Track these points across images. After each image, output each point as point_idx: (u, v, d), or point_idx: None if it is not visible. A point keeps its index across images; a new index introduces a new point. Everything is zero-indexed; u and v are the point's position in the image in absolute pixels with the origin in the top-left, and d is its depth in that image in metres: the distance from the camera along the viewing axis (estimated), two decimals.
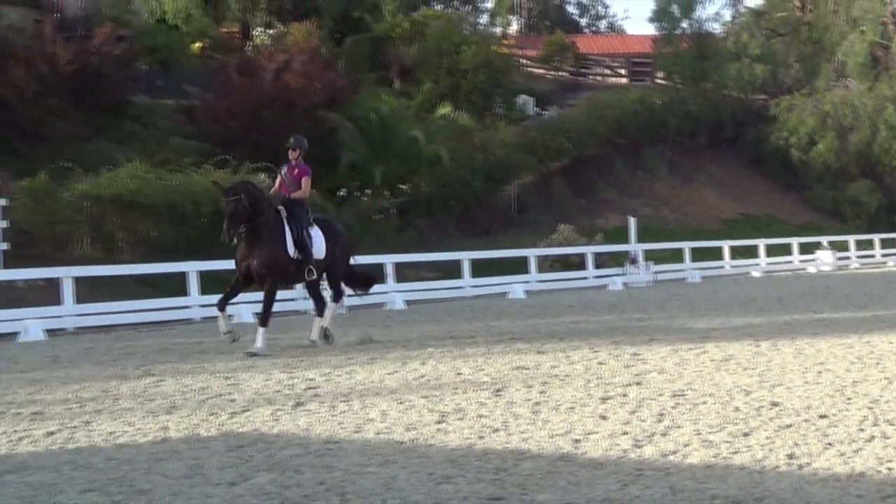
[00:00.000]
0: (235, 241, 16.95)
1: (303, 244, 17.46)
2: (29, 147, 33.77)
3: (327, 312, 18.30)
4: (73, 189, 29.57)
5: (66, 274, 22.84)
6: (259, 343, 16.91)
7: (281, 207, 17.50)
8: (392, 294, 27.90)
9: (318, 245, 17.80)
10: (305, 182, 17.97)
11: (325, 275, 18.35)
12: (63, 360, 17.02)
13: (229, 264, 18.93)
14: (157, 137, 37.51)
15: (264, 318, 17.17)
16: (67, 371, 15.57)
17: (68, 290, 22.39)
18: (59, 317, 22.11)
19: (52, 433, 10.90)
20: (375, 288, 29.35)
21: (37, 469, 9.38)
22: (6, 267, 25.47)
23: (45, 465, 9.50)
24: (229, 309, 17.87)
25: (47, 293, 23.90)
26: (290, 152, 18.12)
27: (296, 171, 18.01)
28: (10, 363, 16.64)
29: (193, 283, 24.55)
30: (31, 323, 20.72)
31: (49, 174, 29.49)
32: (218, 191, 17.63)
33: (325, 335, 18.11)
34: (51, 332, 20.94)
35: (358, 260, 28.71)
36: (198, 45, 46.01)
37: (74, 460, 9.67)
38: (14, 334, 20.50)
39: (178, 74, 43.41)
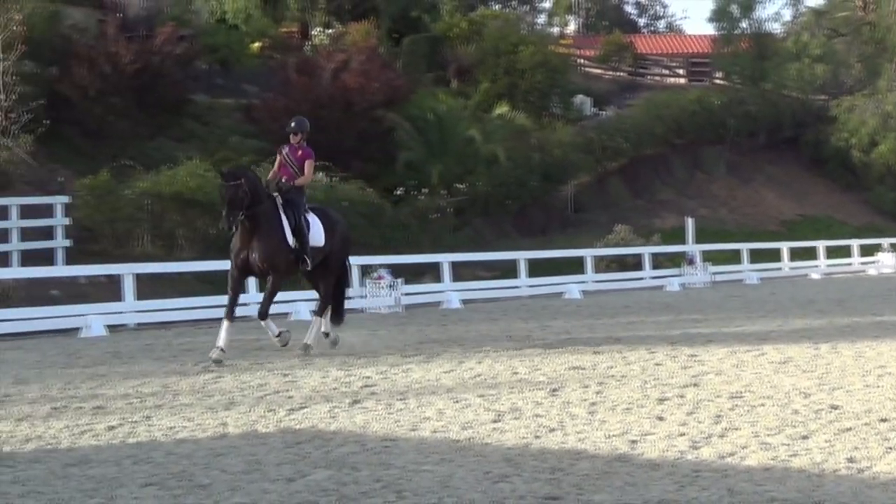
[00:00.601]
0: (235, 228, 15.94)
1: (300, 232, 16.44)
2: (91, 145, 34.18)
3: (311, 328, 17.27)
4: (134, 187, 29.87)
5: (127, 270, 23.07)
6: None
7: (276, 194, 16.49)
8: (448, 293, 27.94)
9: (316, 232, 16.75)
10: (309, 166, 16.93)
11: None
12: (124, 355, 17.20)
13: None
14: (217, 136, 37.82)
15: (264, 310, 16.33)
16: (128, 366, 15.74)
17: (129, 286, 22.62)
18: (120, 313, 22.34)
19: (113, 427, 11.04)
20: (432, 287, 29.54)
21: (98, 462, 9.50)
22: (69, 263, 25.80)
23: (107, 459, 9.63)
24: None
25: (109, 289, 24.18)
26: (291, 136, 17.05)
27: (299, 152, 16.94)
28: (73, 358, 16.84)
29: (251, 280, 24.70)
30: (92, 319, 20.96)
31: (111, 172, 29.80)
32: (216, 175, 16.78)
33: (305, 349, 16.87)
34: (112, 328, 21.17)
35: (416, 259, 28.44)
36: (257, 44, 46.29)
37: (135, 454, 9.79)
38: (76, 329, 20.75)
39: (237, 74, 43.72)
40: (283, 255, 16.30)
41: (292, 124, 17.21)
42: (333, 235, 17.09)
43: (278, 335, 16.66)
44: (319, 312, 17.41)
